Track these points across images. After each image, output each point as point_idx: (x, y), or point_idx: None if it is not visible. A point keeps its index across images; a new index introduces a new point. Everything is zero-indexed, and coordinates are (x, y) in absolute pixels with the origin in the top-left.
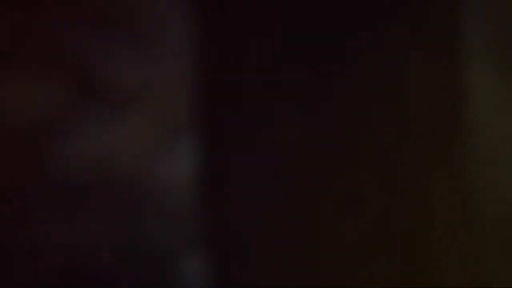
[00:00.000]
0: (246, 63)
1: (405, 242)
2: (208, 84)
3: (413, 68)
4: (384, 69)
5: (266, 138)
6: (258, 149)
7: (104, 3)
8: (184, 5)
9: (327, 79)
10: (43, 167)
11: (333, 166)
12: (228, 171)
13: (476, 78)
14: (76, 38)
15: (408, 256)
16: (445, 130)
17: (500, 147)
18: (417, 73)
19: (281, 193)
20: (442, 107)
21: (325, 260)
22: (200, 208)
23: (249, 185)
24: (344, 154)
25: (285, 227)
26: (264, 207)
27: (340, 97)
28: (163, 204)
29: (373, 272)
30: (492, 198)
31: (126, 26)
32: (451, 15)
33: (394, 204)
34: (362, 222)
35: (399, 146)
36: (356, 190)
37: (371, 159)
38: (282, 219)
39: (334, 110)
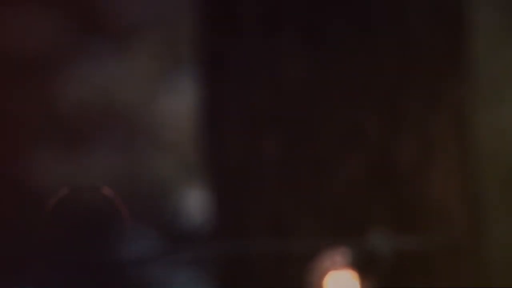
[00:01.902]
0: None
1: (406, 177)
2: (210, 16)
3: (416, 2)
4: (387, 2)
5: (267, 71)
6: (259, 81)
7: None
8: None
9: (329, 11)
10: (44, 98)
11: (334, 100)
12: (228, 103)
13: (479, 13)
14: None
15: (408, 192)
16: (446, 66)
17: (501, 83)
18: (420, 7)
19: (282, 126)
20: (443, 42)
21: (326, 195)
22: (200, 140)
23: (249, 117)
24: (346, 89)
25: (286, 160)
26: (265, 139)
27: (343, 31)
28: (163, 136)
29: (375, 206)
30: (492, 134)
31: None
32: None
33: (395, 139)
34: (363, 158)
35: (400, 81)
36: (357, 126)
37: (372, 94)
38: (282, 152)
39: (336, 44)
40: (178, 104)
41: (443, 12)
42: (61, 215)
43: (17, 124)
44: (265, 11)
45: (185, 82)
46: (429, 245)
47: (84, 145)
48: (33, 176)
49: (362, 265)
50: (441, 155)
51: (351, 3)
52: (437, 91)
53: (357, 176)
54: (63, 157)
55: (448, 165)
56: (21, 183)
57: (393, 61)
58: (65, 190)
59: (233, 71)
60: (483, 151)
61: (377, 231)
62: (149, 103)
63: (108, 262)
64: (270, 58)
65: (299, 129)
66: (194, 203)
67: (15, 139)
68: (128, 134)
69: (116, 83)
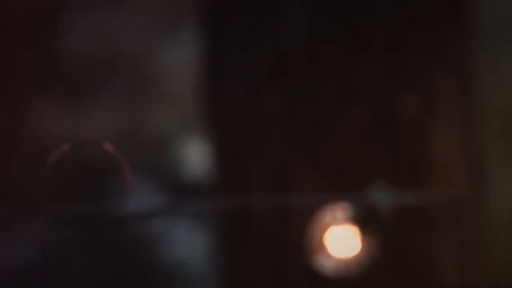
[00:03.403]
0: None
1: (407, 132)
2: None
3: None
4: None
5: (269, 25)
6: (261, 35)
7: None
8: None
9: None
10: (45, 51)
11: (335, 56)
12: (230, 57)
13: None
14: None
15: (409, 146)
16: (447, 20)
17: (502, 36)
18: None
19: (283, 80)
20: None
21: (327, 149)
22: (202, 93)
23: (251, 70)
24: (347, 43)
25: (287, 115)
26: (266, 93)
27: None
28: (165, 89)
29: (376, 161)
30: (493, 88)
31: None
32: None
33: (396, 94)
34: (364, 113)
35: (401, 36)
36: (358, 81)
37: (373, 49)
38: (284, 106)
39: (338, 3)
40: (180, 56)
41: None
42: (63, 170)
43: (18, 77)
44: None
45: (187, 35)
46: (430, 199)
47: (85, 98)
48: (35, 130)
49: (363, 220)
50: (443, 109)
51: None
52: (438, 45)
53: (359, 131)
54: (64, 111)
55: (450, 119)
56: (22, 138)
57: (394, 16)
58: (67, 145)
59: (236, 24)
60: (485, 105)
61: (378, 186)
62: (151, 55)
63: (110, 216)
64: (272, 12)
65: (300, 83)
66: (196, 156)
67: (16, 93)
68: (130, 87)
69: (118, 35)
